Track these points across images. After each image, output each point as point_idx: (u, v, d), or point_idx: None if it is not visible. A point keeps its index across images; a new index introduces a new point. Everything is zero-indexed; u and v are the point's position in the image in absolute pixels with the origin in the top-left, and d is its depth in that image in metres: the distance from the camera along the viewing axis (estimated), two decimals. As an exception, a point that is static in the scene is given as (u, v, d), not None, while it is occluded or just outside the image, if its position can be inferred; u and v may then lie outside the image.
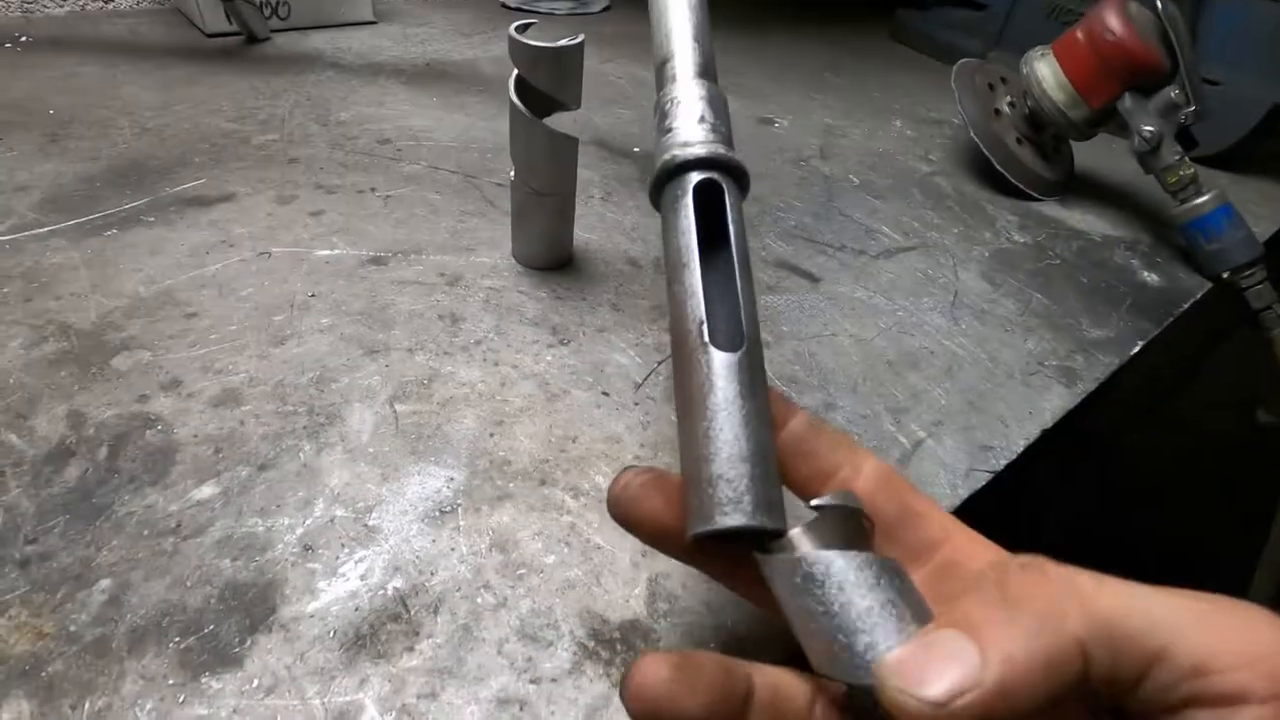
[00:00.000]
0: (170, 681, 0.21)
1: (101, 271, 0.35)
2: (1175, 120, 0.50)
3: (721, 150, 0.21)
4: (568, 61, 0.32)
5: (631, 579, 0.25)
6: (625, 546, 0.26)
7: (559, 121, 0.35)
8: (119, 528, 0.25)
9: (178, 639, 0.22)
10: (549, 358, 0.34)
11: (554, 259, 0.39)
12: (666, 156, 0.21)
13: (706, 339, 0.18)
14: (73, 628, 0.22)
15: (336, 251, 0.39)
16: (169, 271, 0.36)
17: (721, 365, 0.18)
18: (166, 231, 0.39)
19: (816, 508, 0.17)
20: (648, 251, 0.42)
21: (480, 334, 0.35)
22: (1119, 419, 1.03)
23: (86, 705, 0.20)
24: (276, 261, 0.37)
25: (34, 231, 0.37)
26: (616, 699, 0.22)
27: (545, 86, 0.32)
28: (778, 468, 0.18)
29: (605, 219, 0.45)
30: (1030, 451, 0.35)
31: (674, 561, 0.26)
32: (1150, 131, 0.49)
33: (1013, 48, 0.79)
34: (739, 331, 0.19)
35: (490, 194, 0.46)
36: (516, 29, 0.32)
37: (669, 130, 0.22)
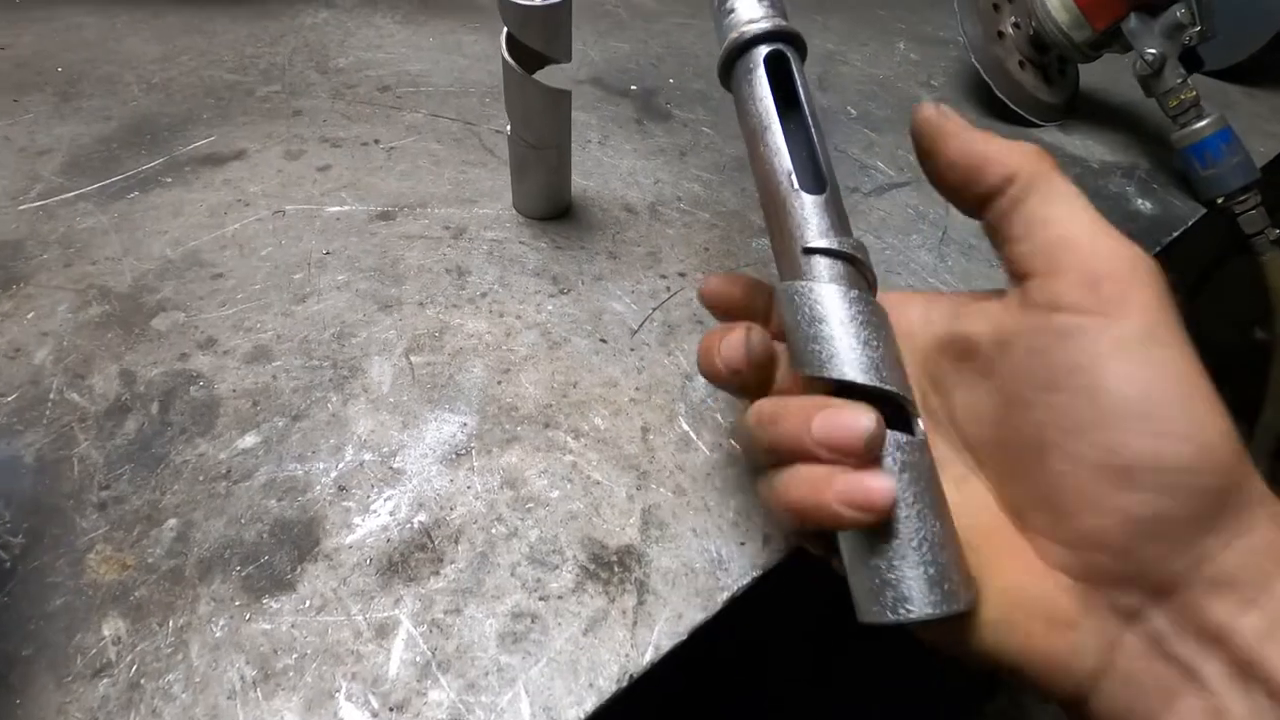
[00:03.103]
0: (237, 603, 0.25)
1: (130, 235, 0.38)
2: (1180, 41, 0.49)
3: (783, 23, 0.24)
4: (557, 18, 0.33)
5: (627, 510, 0.29)
6: (621, 481, 0.30)
7: (552, 75, 0.36)
8: (178, 474, 0.28)
9: (239, 567, 0.26)
10: (550, 307, 0.36)
11: (553, 209, 0.41)
12: (734, 34, 0.24)
13: (796, 185, 0.22)
14: (150, 560, 0.26)
15: (346, 208, 0.41)
16: (192, 233, 0.38)
17: (812, 205, 0.22)
18: (185, 192, 0.41)
19: (819, 249, 0.21)
20: (643, 197, 0.44)
21: (485, 286, 0.37)
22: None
23: (170, 623, 0.24)
24: (291, 220, 0.39)
25: (62, 196, 0.40)
26: (614, 612, 0.26)
27: (536, 44, 0.33)
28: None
29: (602, 164, 0.46)
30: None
31: (665, 493, 0.29)
32: (1153, 54, 0.49)
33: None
34: (820, 177, 0.22)
35: (490, 142, 0.47)
36: (505, -13, 0.32)
37: (730, 11, 0.24)
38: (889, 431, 0.19)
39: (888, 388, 0.20)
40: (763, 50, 0.23)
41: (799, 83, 0.23)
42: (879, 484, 0.18)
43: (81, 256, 0.36)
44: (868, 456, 0.19)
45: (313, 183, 0.42)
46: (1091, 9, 0.51)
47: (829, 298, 0.21)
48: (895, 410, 0.20)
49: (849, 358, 0.20)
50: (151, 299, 0.35)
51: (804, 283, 0.21)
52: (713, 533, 0.28)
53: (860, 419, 0.19)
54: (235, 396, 0.31)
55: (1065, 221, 0.20)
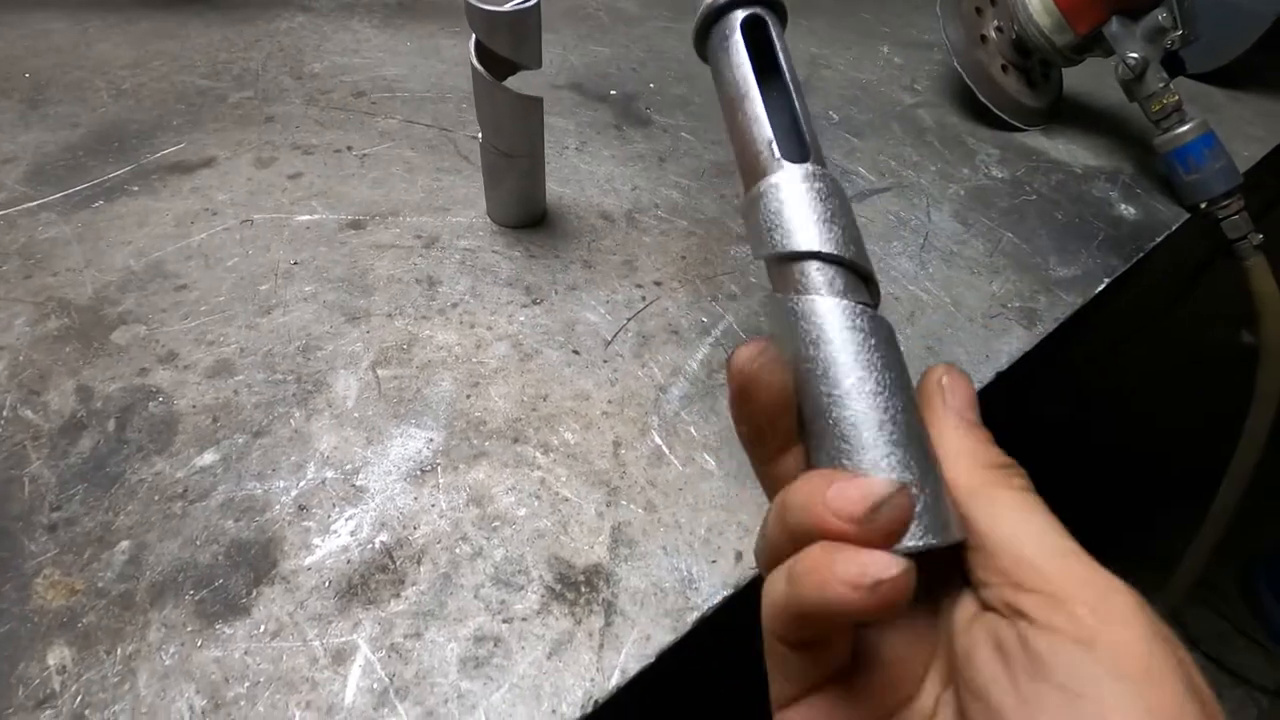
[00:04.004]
0: (189, 629, 0.24)
1: (93, 245, 0.37)
2: (1162, 45, 0.48)
3: None
4: (525, 24, 0.32)
5: (596, 528, 0.28)
6: (591, 498, 0.29)
7: (528, 81, 0.35)
8: (132, 494, 0.27)
9: (192, 592, 0.25)
10: (522, 318, 0.36)
11: (527, 217, 0.40)
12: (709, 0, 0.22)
13: (778, 154, 0.20)
14: (100, 584, 0.25)
15: (316, 216, 0.40)
16: (157, 243, 0.37)
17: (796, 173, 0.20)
18: (151, 201, 0.40)
19: (810, 253, 0.19)
20: (620, 204, 0.43)
21: (456, 296, 0.36)
22: (1115, 333, 1.04)
23: (118, 650, 0.23)
24: (259, 229, 0.39)
25: (25, 206, 0.39)
26: (580, 634, 0.25)
27: (504, 51, 0.33)
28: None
29: (579, 171, 0.45)
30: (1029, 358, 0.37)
31: (635, 509, 0.29)
32: (1135, 59, 0.48)
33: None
34: (804, 145, 0.21)
35: (465, 149, 0.46)
36: (472, -8, 0.31)
37: None
38: None
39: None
40: (739, 14, 0.22)
41: (779, 48, 0.22)
42: (882, 563, 0.15)
43: (42, 268, 0.35)
44: (869, 528, 0.16)
45: (283, 191, 0.41)
46: (1073, 13, 0.50)
47: (830, 316, 0.18)
48: None
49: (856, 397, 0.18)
50: (112, 311, 0.34)
51: (804, 298, 0.19)
52: (683, 550, 0.28)
53: (875, 487, 0.16)
54: (195, 412, 0.30)
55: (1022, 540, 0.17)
